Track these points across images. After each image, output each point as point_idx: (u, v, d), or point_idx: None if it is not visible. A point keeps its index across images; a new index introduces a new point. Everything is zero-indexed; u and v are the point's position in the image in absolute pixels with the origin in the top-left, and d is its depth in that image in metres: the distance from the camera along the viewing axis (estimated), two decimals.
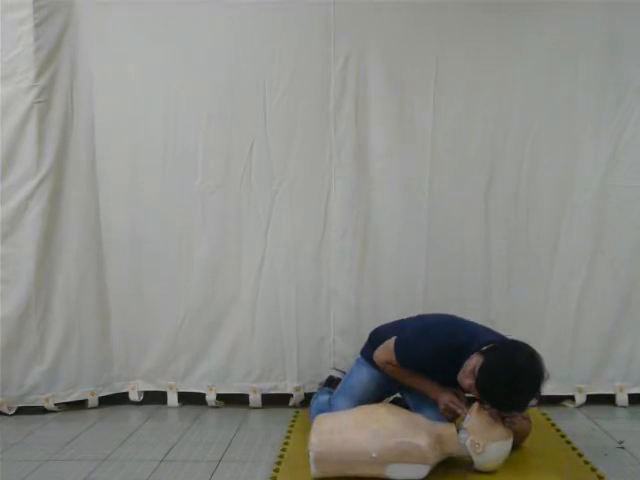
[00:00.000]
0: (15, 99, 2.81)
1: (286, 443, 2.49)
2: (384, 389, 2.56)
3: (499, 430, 2.13)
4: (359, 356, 2.64)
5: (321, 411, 2.44)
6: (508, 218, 2.89)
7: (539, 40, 2.81)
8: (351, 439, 2.09)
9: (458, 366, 2.21)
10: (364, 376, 2.54)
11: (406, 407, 2.41)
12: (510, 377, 2.05)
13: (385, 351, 2.43)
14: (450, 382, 2.30)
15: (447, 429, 2.15)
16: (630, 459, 2.33)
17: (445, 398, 2.29)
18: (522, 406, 2.17)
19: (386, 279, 2.93)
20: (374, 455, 2.05)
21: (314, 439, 2.11)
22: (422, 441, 2.06)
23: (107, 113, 2.92)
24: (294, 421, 2.75)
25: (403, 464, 2.06)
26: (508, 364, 2.07)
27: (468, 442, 2.10)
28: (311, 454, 2.10)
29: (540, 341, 2.89)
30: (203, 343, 2.99)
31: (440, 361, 2.26)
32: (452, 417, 2.27)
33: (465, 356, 2.18)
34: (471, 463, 2.14)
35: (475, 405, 2.17)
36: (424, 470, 2.07)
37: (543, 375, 2.11)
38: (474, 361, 2.13)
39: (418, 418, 2.20)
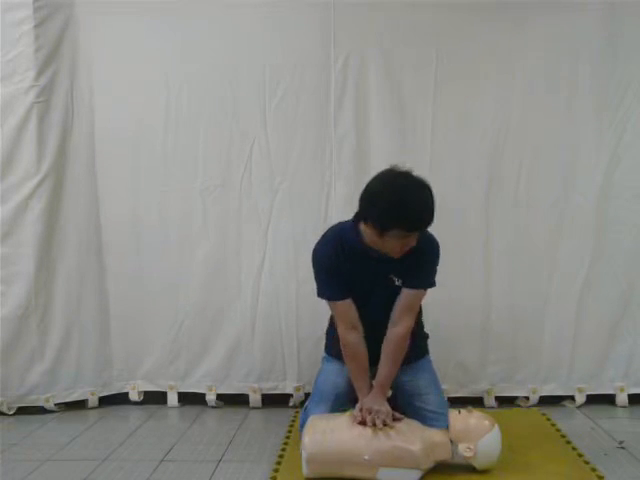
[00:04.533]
0: (15, 99, 2.81)
1: (286, 443, 2.49)
2: None
3: (479, 424, 2.10)
4: (324, 354, 2.58)
5: (302, 420, 2.35)
6: (508, 218, 2.88)
7: (539, 40, 2.81)
8: (344, 440, 2.08)
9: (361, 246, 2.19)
10: (330, 371, 2.44)
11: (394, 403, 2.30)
12: (394, 185, 2.06)
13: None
14: (373, 274, 2.25)
15: (441, 437, 2.12)
16: (630, 459, 2.33)
17: (369, 403, 2.17)
18: (422, 220, 2.07)
19: None
20: (366, 457, 2.04)
21: (307, 439, 2.10)
22: (415, 447, 2.05)
23: (107, 113, 2.92)
24: (294, 421, 2.74)
25: (395, 469, 2.05)
26: (390, 176, 2.09)
27: (460, 449, 2.08)
28: (303, 454, 2.09)
29: (540, 341, 2.92)
30: (203, 343, 2.99)
31: (342, 254, 2.23)
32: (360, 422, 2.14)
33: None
34: (474, 468, 2.13)
35: (449, 414, 2.16)
36: (415, 476, 2.06)
37: (429, 187, 2.06)
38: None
39: (412, 423, 2.18)
